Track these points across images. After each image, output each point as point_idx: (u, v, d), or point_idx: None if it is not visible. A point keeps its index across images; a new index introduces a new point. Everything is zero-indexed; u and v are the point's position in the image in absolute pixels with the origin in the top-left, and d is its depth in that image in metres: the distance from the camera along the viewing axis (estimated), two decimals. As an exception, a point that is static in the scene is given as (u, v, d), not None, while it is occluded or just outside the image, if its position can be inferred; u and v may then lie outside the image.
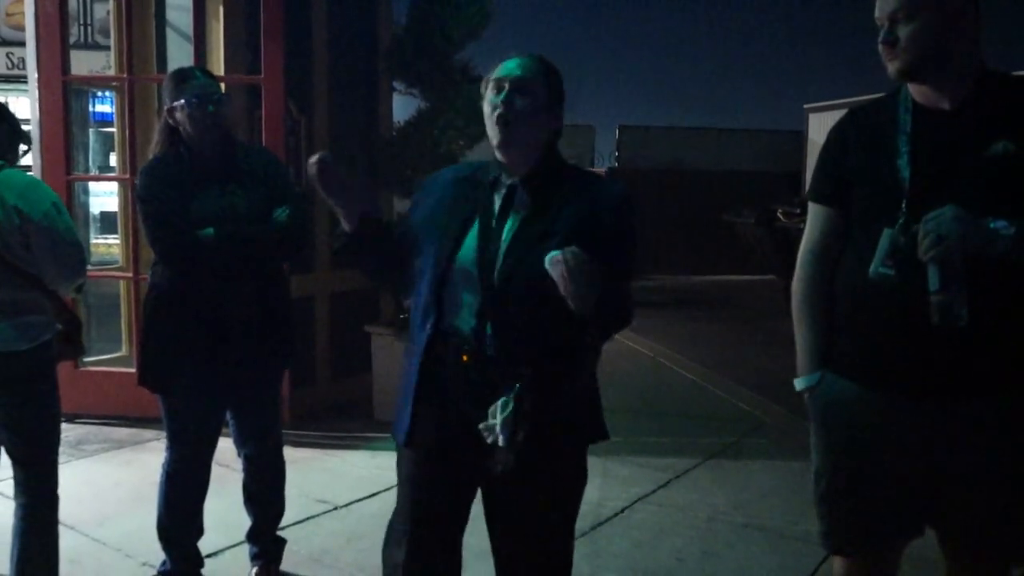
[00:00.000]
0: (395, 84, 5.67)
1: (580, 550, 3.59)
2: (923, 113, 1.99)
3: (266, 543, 3.34)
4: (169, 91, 2.98)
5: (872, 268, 1.94)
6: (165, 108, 2.99)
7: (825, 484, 2.17)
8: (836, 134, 2.14)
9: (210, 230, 2.87)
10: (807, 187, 2.35)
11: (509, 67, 2.10)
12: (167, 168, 2.97)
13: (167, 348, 3.01)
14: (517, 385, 1.97)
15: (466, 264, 2.06)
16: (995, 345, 1.94)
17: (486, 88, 2.12)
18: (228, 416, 3.24)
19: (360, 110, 5.74)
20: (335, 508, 4.04)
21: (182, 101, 2.93)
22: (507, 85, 2.07)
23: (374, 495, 4.18)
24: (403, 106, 5.71)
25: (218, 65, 5.05)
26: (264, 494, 3.33)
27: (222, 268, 2.93)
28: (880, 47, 1.98)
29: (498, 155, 2.12)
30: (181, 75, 3.03)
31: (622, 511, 4.04)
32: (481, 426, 1.99)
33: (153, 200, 2.94)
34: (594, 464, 4.48)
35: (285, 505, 3.41)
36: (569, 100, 2.18)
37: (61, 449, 4.70)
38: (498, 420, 1.96)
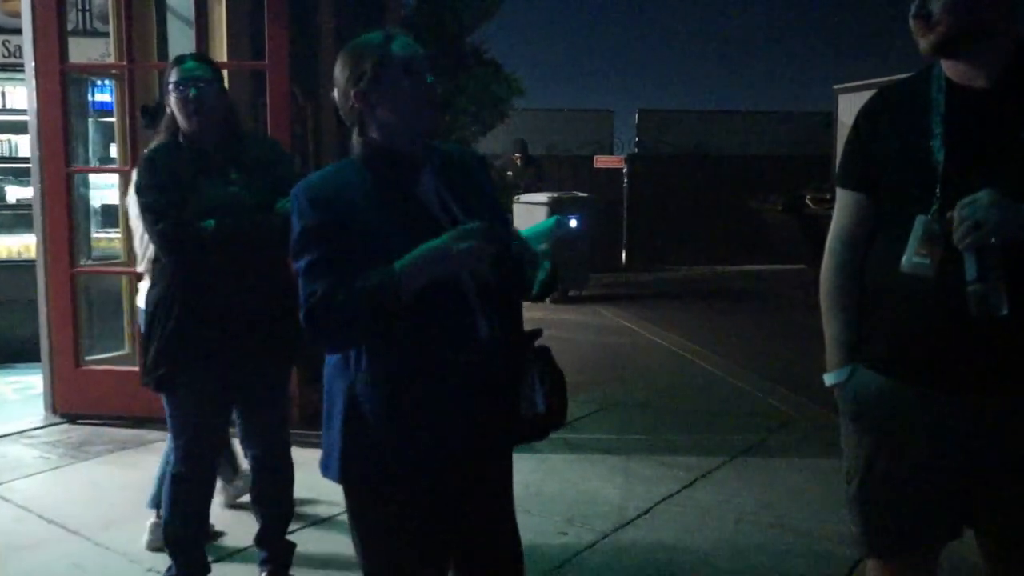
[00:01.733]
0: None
1: (603, 552, 3.61)
2: (957, 91, 1.92)
3: (275, 547, 3.28)
4: (165, 77, 3.03)
5: (905, 258, 1.88)
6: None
7: (857, 484, 2.11)
8: (865, 115, 2.08)
9: (211, 222, 2.83)
10: (836, 171, 2.27)
11: (414, 45, 2.00)
12: (166, 157, 2.95)
13: (170, 346, 2.96)
14: (532, 357, 2.04)
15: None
16: None
17: (386, 67, 1.95)
18: (235, 416, 3.20)
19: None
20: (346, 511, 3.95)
21: (169, 86, 2.95)
22: (423, 67, 1.98)
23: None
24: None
25: (221, 51, 4.99)
26: (272, 497, 3.27)
27: (223, 261, 2.89)
28: (912, 22, 1.91)
29: (412, 138, 2.00)
30: (174, 61, 3.06)
31: (646, 512, 3.98)
32: (523, 406, 2.01)
33: (152, 191, 2.90)
34: (616, 464, 4.62)
35: (294, 508, 3.36)
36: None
37: (64, 451, 4.68)
38: (537, 392, 2.02)
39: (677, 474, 4.41)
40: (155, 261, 3.04)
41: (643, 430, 5.23)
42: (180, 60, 3.04)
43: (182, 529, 3.10)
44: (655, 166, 13.65)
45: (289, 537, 3.32)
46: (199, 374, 2.96)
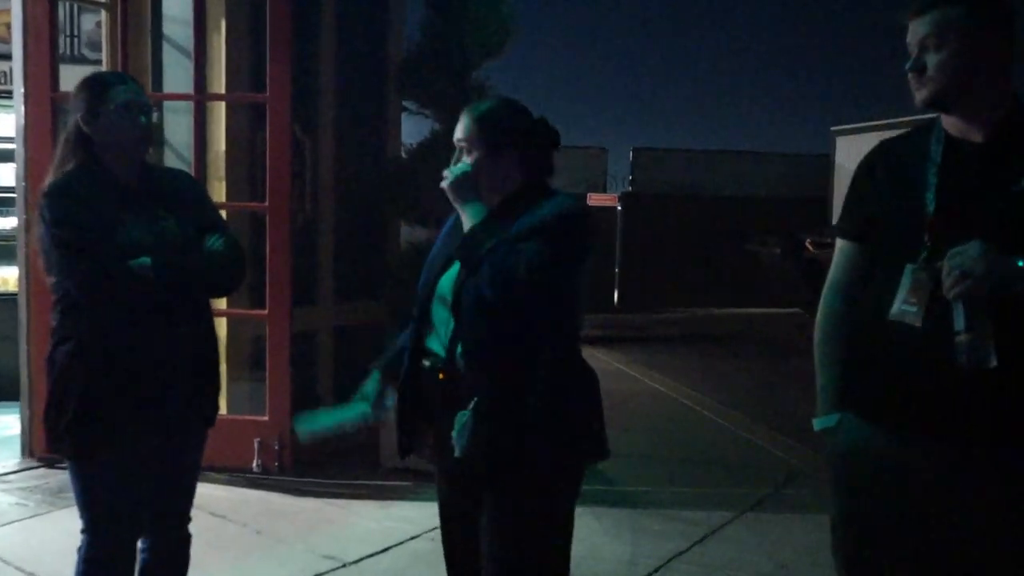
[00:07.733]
0: (406, 104, 5.50)
1: (615, 613, 3.39)
2: (954, 145, 2.00)
3: None
4: (87, 98, 2.58)
5: (894, 307, 1.94)
6: (77, 116, 2.58)
7: (842, 535, 2.14)
8: (864, 167, 2.17)
9: (146, 259, 2.47)
10: (835, 214, 2.28)
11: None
12: (84, 188, 2.55)
13: (92, 409, 2.54)
14: (475, 400, 2.16)
15: (444, 292, 2.28)
16: None
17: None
18: None
19: (368, 131, 5.60)
20: (343, 565, 3.85)
21: (111, 107, 2.54)
22: None
23: (385, 550, 3.99)
24: (415, 127, 5.58)
25: (219, 82, 4.88)
26: None
27: (158, 304, 2.53)
28: (909, 75, 1.99)
29: None
30: (107, 80, 2.70)
31: (656, 570, 3.86)
32: (453, 435, 2.18)
33: (70, 224, 2.49)
34: (623, 517, 4.51)
35: None
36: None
37: (41, 497, 4.47)
38: (455, 431, 2.17)
39: (686, 529, 4.27)
40: (64, 312, 2.57)
41: (649, 482, 5.09)
42: (119, 80, 2.71)
43: None
44: (650, 205, 13.57)
45: None
46: (126, 441, 2.56)
